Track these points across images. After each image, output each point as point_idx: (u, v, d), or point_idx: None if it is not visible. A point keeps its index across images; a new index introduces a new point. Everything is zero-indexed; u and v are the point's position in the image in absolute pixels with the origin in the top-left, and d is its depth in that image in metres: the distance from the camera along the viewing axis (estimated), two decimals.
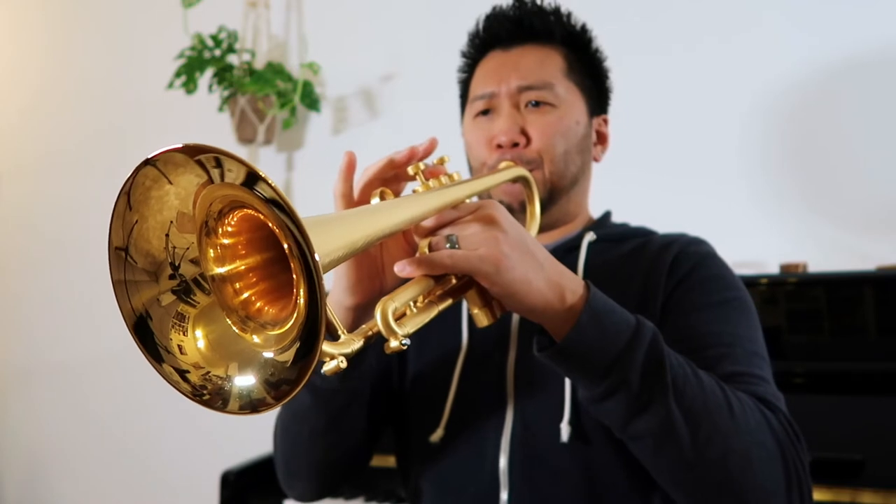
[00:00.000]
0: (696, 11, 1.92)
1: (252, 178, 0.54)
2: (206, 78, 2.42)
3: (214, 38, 2.39)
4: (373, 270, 0.86)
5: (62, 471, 2.95)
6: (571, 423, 0.92)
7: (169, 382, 0.60)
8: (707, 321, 0.93)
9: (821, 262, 1.64)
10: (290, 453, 1.01)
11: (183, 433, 2.56)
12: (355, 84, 2.42)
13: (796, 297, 1.53)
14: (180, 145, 0.55)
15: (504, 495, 0.94)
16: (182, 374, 0.60)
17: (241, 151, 2.54)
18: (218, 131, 2.52)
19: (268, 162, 2.55)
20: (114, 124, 2.89)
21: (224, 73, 2.40)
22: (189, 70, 2.38)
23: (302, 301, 0.56)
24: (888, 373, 1.41)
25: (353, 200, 0.84)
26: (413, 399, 1.06)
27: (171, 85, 2.38)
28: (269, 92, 2.34)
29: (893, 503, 1.30)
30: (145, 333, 0.60)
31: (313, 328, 0.54)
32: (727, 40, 1.88)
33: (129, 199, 0.59)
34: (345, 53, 2.44)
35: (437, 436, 0.99)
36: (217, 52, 2.40)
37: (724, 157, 1.88)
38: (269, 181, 0.52)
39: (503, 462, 0.95)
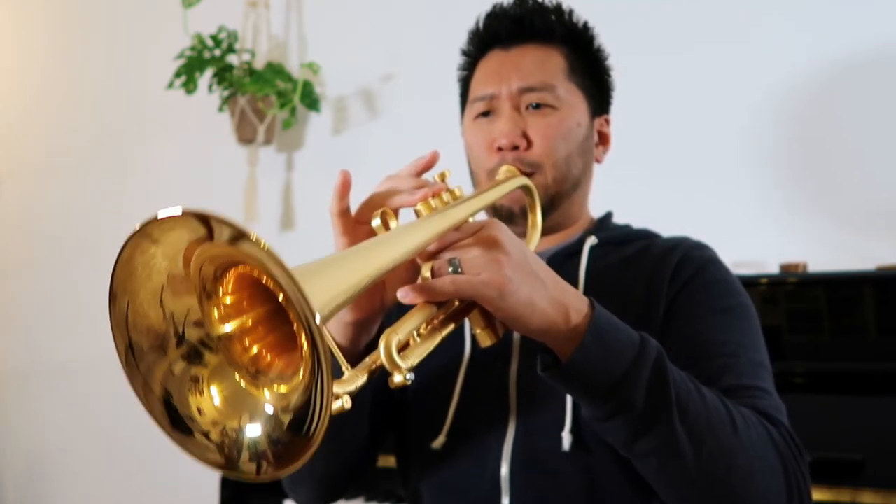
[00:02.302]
0: (699, 11, 1.92)
1: (242, 238, 0.52)
2: (206, 78, 2.42)
3: (214, 38, 2.39)
4: (373, 286, 0.86)
5: (62, 471, 2.95)
6: (573, 431, 0.92)
7: (199, 459, 0.59)
8: (711, 329, 0.93)
9: (821, 262, 1.64)
10: None
11: None
12: (355, 84, 2.42)
13: (796, 297, 1.53)
14: (162, 216, 0.53)
15: (505, 502, 0.94)
16: (206, 436, 0.59)
17: (241, 151, 2.54)
18: (218, 131, 2.52)
19: (268, 162, 2.56)
20: (114, 124, 2.89)
21: (224, 73, 2.40)
22: (189, 70, 2.38)
23: (305, 350, 0.55)
24: (888, 373, 1.41)
25: (350, 218, 0.84)
26: (415, 406, 1.06)
27: (171, 85, 2.38)
28: (269, 92, 2.34)
29: (893, 503, 1.30)
30: (174, 416, 0.60)
31: (312, 404, 0.53)
32: (729, 41, 1.88)
33: (113, 284, 0.57)
34: (345, 53, 2.44)
35: (438, 442, 0.99)
36: (217, 52, 2.40)
37: (724, 157, 1.88)
38: (258, 241, 0.50)
39: (504, 469, 0.95)
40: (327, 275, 0.60)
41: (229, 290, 0.60)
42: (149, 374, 0.59)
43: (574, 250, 1.05)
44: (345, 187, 0.84)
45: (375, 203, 0.83)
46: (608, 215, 1.14)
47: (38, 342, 3.03)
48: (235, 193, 2.58)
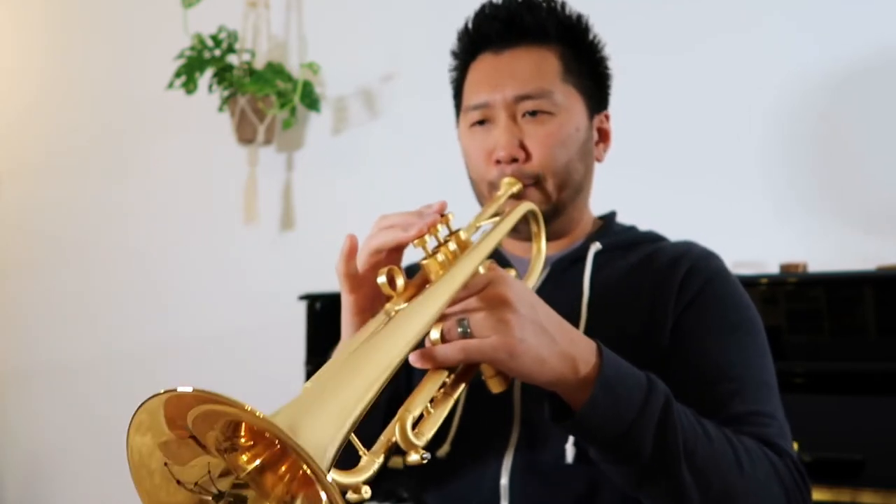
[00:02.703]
0: (700, 11, 1.92)
1: (237, 409, 0.51)
2: (206, 78, 2.42)
3: (214, 38, 2.39)
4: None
5: (62, 471, 2.95)
6: (576, 444, 0.92)
7: None
8: (719, 350, 0.92)
9: (821, 262, 1.64)
10: None
11: None
12: (355, 84, 2.42)
13: (796, 297, 1.53)
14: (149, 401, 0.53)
15: None
16: None
17: (241, 151, 2.54)
18: (218, 131, 2.52)
19: (268, 162, 2.56)
20: (114, 124, 2.89)
21: (224, 73, 2.40)
22: (189, 70, 2.38)
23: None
24: (888, 373, 1.41)
25: (357, 278, 0.84)
26: None
27: (171, 85, 2.39)
28: (269, 92, 2.34)
29: (893, 503, 1.30)
30: None
31: None
32: (731, 41, 1.88)
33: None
34: (345, 53, 2.44)
35: (442, 451, 0.99)
36: (217, 52, 2.40)
37: (725, 157, 1.88)
38: (253, 412, 0.50)
39: (504, 479, 0.95)
40: (326, 411, 0.59)
41: (246, 438, 0.60)
42: None
43: (578, 256, 1.04)
44: (352, 251, 0.84)
45: (373, 248, 0.83)
46: (612, 215, 1.13)
47: (37, 342, 3.03)
48: (235, 193, 2.58)
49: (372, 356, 0.66)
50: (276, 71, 2.38)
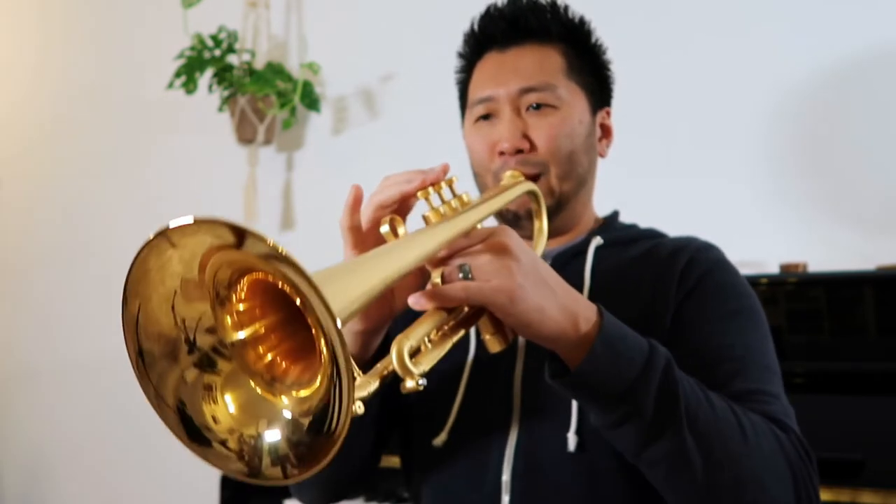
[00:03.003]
0: (700, 11, 1.92)
1: (260, 245, 0.52)
2: (206, 78, 2.42)
3: (214, 38, 2.39)
4: (385, 292, 0.86)
5: (64, 470, 2.95)
6: (578, 432, 0.92)
7: (221, 468, 0.59)
8: (719, 335, 0.93)
9: (821, 262, 1.64)
10: None
11: None
12: (355, 84, 2.42)
13: (796, 297, 1.53)
14: (186, 222, 0.52)
15: (506, 500, 0.94)
16: (224, 444, 0.59)
17: (241, 151, 2.54)
18: (218, 131, 2.52)
19: (268, 162, 2.55)
20: (114, 124, 2.89)
21: (224, 73, 2.40)
22: (189, 70, 2.38)
23: (324, 355, 0.56)
24: (888, 373, 1.41)
25: (361, 232, 0.85)
26: (419, 406, 1.05)
27: (171, 85, 2.39)
28: (269, 92, 2.34)
29: (893, 503, 1.30)
30: (190, 427, 0.59)
31: (332, 405, 0.54)
32: (731, 41, 1.88)
33: (127, 286, 0.56)
34: (345, 53, 2.44)
35: (440, 440, 0.99)
36: (217, 53, 2.40)
37: (725, 157, 1.88)
38: (275, 247, 0.50)
39: (506, 472, 0.94)
40: (344, 280, 0.60)
41: (243, 297, 0.60)
42: (160, 383, 0.59)
43: (579, 250, 1.04)
44: (356, 202, 0.84)
45: (378, 203, 0.84)
46: (615, 214, 1.13)
47: (39, 342, 3.03)
48: (235, 193, 2.58)
49: (379, 258, 0.68)
50: (276, 71, 2.39)
